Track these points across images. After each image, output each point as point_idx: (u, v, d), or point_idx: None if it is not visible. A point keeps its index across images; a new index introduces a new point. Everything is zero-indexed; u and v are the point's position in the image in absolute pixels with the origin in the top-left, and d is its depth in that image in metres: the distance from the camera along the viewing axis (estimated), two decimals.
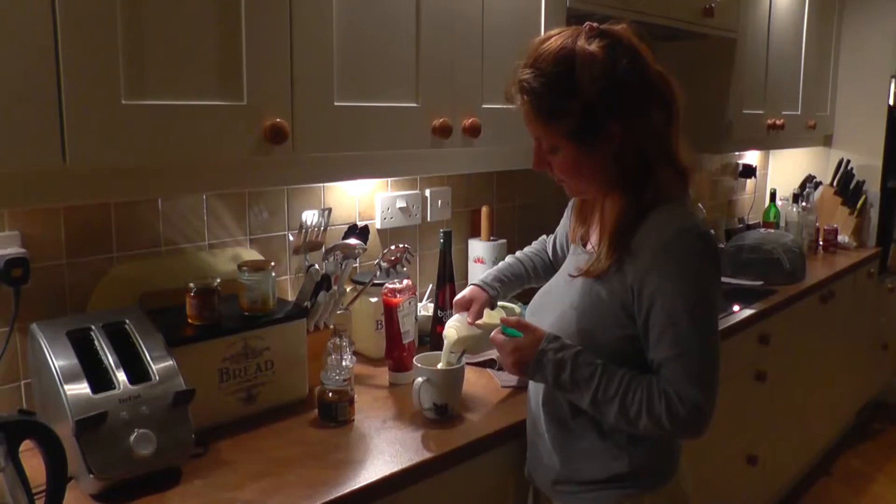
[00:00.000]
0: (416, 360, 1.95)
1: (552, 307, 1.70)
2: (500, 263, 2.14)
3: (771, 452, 3.49)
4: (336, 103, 1.86)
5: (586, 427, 1.64)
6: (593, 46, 1.50)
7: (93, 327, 1.66)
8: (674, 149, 1.58)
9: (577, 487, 1.68)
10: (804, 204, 4.38)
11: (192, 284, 1.83)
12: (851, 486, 4.18)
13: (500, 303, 2.03)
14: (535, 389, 1.74)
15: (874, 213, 4.64)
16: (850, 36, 4.62)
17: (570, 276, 1.68)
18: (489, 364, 2.26)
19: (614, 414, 1.54)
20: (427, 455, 1.73)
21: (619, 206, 1.58)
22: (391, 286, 2.16)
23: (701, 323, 1.51)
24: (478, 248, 2.75)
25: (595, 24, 1.55)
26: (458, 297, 2.02)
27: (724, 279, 3.57)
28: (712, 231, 4.14)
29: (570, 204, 1.88)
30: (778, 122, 3.91)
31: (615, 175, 1.57)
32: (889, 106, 4.55)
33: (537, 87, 1.53)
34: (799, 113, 4.20)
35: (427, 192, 2.70)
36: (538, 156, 1.63)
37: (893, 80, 4.53)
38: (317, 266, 2.07)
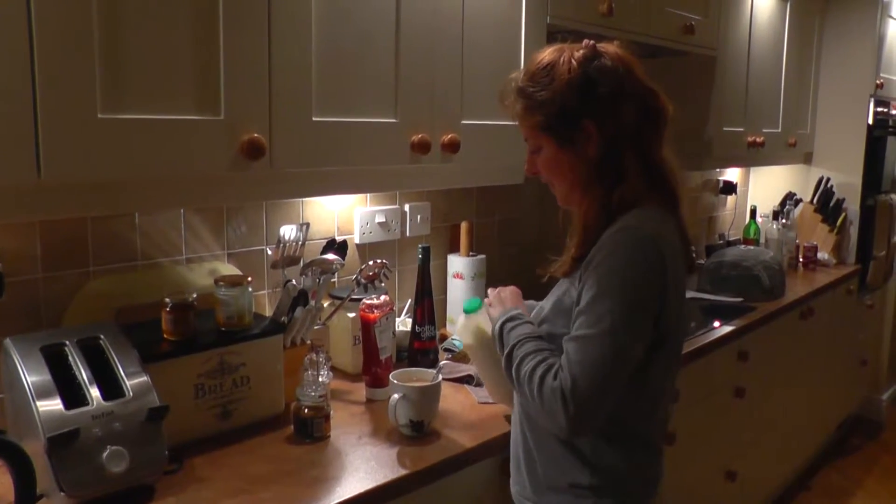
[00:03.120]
0: (393, 377, 1.95)
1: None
2: None
3: (750, 468, 3.49)
4: (314, 118, 1.86)
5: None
6: (579, 53, 1.60)
7: (67, 342, 1.65)
8: (654, 158, 1.62)
9: (544, 498, 1.68)
10: (784, 221, 4.40)
11: (167, 299, 1.82)
12: (831, 501, 4.20)
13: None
14: (517, 399, 1.74)
15: (854, 231, 4.67)
16: (830, 55, 4.65)
17: (538, 272, 1.71)
18: (466, 380, 2.26)
19: (514, 369, 1.59)
20: (402, 472, 1.73)
21: (587, 206, 1.62)
22: (369, 302, 2.16)
23: (611, 317, 1.49)
24: (457, 264, 2.75)
25: (592, 42, 1.63)
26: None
27: (703, 295, 3.60)
28: (692, 248, 4.16)
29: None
30: (758, 140, 3.93)
31: (591, 175, 1.61)
32: (868, 125, 4.59)
33: (522, 86, 1.63)
34: (779, 131, 4.23)
35: (406, 207, 2.70)
36: (530, 160, 1.69)
37: (872, 99, 4.57)
38: (294, 281, 2.07)
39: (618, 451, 1.63)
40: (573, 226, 1.68)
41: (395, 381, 1.92)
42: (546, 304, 1.71)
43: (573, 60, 1.58)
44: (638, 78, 1.61)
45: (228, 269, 2.19)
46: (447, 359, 2.43)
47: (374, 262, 2.23)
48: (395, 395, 1.89)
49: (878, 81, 4.62)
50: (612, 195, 1.59)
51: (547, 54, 1.63)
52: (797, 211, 4.60)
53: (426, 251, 2.36)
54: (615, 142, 1.58)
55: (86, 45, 1.46)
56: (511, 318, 1.69)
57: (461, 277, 2.74)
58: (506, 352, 1.63)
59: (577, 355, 1.50)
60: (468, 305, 1.90)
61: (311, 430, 1.87)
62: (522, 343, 1.61)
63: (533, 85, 1.61)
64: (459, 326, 1.91)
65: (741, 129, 3.83)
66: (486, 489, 1.92)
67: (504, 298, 1.79)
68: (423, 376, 1.99)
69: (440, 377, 1.97)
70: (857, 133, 4.62)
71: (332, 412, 1.93)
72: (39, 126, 1.42)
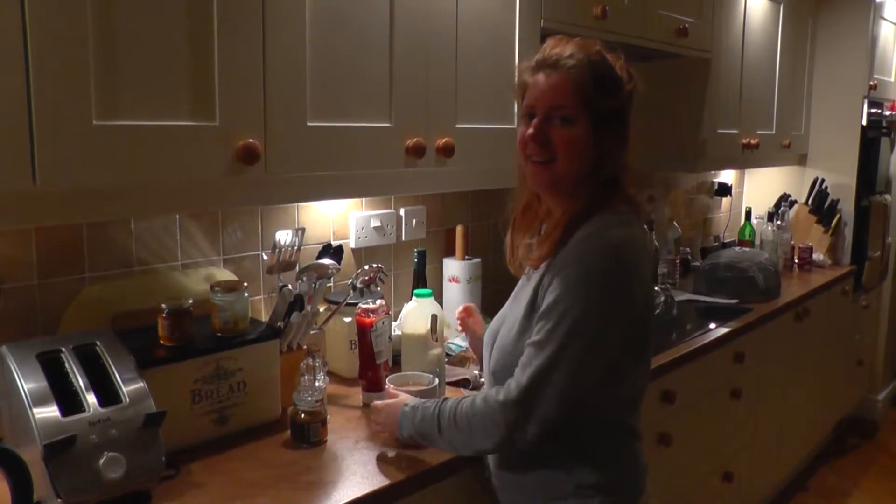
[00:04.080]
0: (390, 381, 1.94)
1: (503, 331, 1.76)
2: None
3: (747, 469, 3.50)
4: (309, 123, 1.87)
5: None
6: (626, 67, 1.67)
7: (63, 349, 1.65)
8: (632, 174, 1.71)
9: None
10: (779, 222, 4.41)
11: (163, 305, 1.82)
12: (828, 501, 4.21)
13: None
14: None
15: (848, 232, 4.68)
16: (824, 56, 4.67)
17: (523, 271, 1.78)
18: (463, 383, 2.26)
19: (453, 428, 1.65)
20: (400, 476, 1.73)
21: (574, 203, 1.66)
22: (365, 306, 2.15)
23: (572, 324, 1.53)
24: (452, 267, 2.75)
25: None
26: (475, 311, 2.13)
27: (698, 297, 3.60)
28: (687, 250, 4.17)
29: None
30: (752, 142, 3.94)
31: (596, 171, 1.65)
32: (862, 126, 4.60)
33: (595, 62, 1.63)
34: (773, 132, 4.23)
35: (402, 211, 2.70)
36: (539, 128, 1.65)
37: (866, 100, 4.58)
38: (290, 286, 2.07)
39: (617, 445, 1.69)
40: (551, 220, 1.73)
41: (393, 388, 1.91)
42: (519, 312, 1.71)
43: (630, 68, 1.67)
44: None
45: (224, 275, 2.19)
46: (446, 362, 2.43)
47: (370, 267, 2.23)
48: (379, 402, 1.87)
49: (871, 83, 4.63)
50: (600, 195, 1.64)
51: (597, 47, 1.66)
52: (792, 212, 4.61)
53: (422, 255, 2.37)
54: (624, 151, 1.66)
55: (80, 52, 1.46)
56: (413, 412, 1.73)
57: (457, 281, 2.74)
58: (435, 431, 1.69)
59: (529, 360, 1.56)
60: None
61: (308, 434, 1.87)
62: (439, 412, 1.68)
63: (604, 68, 1.64)
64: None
65: (735, 131, 3.84)
66: (482, 493, 1.91)
67: (385, 410, 1.82)
68: (419, 380, 1.99)
69: (436, 381, 1.96)
70: (851, 134, 4.63)
71: (328, 417, 1.93)
72: (35, 133, 1.42)
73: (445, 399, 1.70)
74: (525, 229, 1.82)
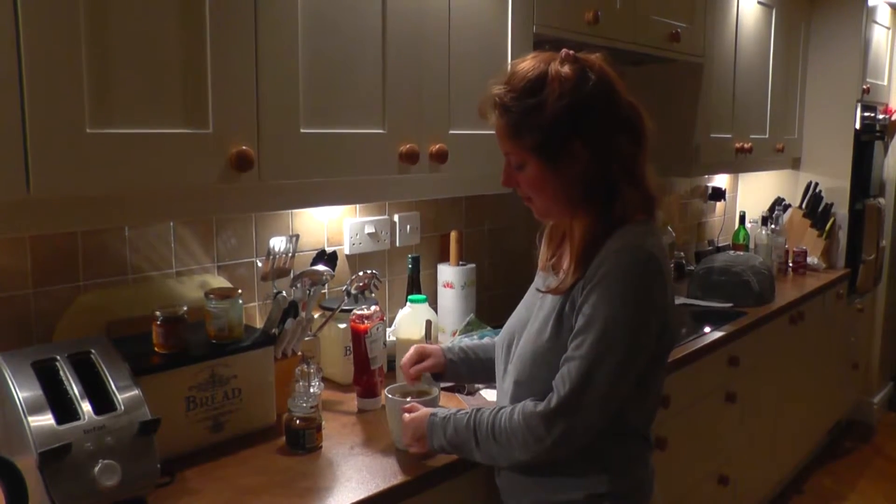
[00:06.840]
0: (388, 392, 1.92)
1: (523, 334, 1.74)
2: (483, 341, 2.10)
3: (742, 472, 3.50)
4: (302, 130, 1.87)
5: None
6: (565, 68, 1.56)
7: (58, 357, 1.64)
8: (640, 174, 1.63)
9: None
10: (773, 226, 4.42)
11: (158, 313, 1.82)
12: None
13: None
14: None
15: (843, 235, 4.68)
16: (817, 60, 4.68)
17: (539, 290, 1.72)
18: (458, 389, 2.26)
19: (492, 442, 1.64)
20: (394, 481, 1.73)
21: (584, 226, 1.62)
22: (359, 312, 2.16)
23: (611, 337, 1.53)
24: (447, 273, 2.75)
25: (571, 52, 1.60)
26: (420, 346, 2.02)
27: (693, 301, 3.61)
28: (682, 254, 4.19)
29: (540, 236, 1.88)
30: (746, 146, 3.95)
31: (580, 194, 1.60)
32: (856, 129, 4.61)
33: (507, 102, 1.58)
34: (767, 137, 4.25)
35: (396, 218, 2.70)
36: (507, 173, 1.67)
37: (859, 104, 4.59)
38: (284, 293, 2.07)
39: (631, 453, 1.69)
40: (568, 244, 1.70)
41: (391, 396, 1.88)
42: (546, 320, 1.68)
43: (563, 78, 1.54)
44: (622, 94, 1.61)
45: (218, 282, 2.20)
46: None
47: (364, 273, 2.23)
48: (395, 417, 1.87)
49: (864, 86, 4.65)
50: (608, 212, 1.59)
51: (531, 67, 1.57)
52: (786, 216, 4.62)
53: (416, 261, 2.37)
54: (604, 160, 1.58)
55: (74, 59, 1.47)
56: (444, 424, 1.71)
57: (451, 287, 2.74)
58: (472, 442, 1.67)
59: (570, 373, 1.54)
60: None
61: (303, 441, 1.87)
62: (472, 423, 1.67)
63: (520, 102, 1.56)
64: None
65: (729, 136, 3.85)
66: (479, 497, 1.92)
67: (411, 424, 1.78)
68: (416, 389, 1.97)
69: (437, 391, 1.95)
70: (845, 138, 4.64)
71: (323, 423, 1.93)
72: (28, 141, 1.42)
73: (478, 410, 1.69)
74: (559, 240, 1.79)
